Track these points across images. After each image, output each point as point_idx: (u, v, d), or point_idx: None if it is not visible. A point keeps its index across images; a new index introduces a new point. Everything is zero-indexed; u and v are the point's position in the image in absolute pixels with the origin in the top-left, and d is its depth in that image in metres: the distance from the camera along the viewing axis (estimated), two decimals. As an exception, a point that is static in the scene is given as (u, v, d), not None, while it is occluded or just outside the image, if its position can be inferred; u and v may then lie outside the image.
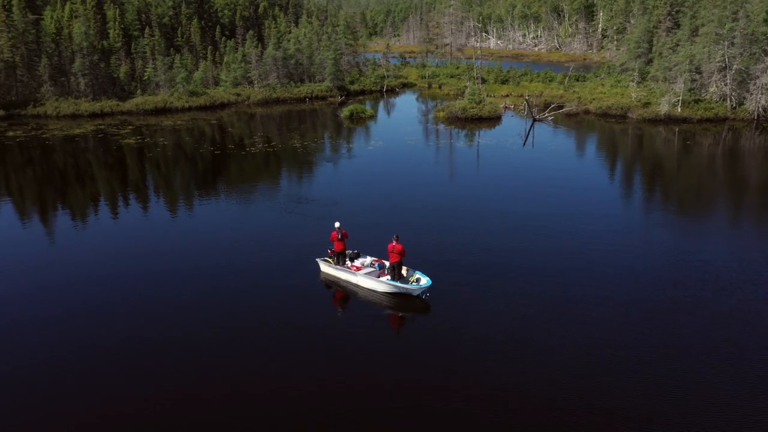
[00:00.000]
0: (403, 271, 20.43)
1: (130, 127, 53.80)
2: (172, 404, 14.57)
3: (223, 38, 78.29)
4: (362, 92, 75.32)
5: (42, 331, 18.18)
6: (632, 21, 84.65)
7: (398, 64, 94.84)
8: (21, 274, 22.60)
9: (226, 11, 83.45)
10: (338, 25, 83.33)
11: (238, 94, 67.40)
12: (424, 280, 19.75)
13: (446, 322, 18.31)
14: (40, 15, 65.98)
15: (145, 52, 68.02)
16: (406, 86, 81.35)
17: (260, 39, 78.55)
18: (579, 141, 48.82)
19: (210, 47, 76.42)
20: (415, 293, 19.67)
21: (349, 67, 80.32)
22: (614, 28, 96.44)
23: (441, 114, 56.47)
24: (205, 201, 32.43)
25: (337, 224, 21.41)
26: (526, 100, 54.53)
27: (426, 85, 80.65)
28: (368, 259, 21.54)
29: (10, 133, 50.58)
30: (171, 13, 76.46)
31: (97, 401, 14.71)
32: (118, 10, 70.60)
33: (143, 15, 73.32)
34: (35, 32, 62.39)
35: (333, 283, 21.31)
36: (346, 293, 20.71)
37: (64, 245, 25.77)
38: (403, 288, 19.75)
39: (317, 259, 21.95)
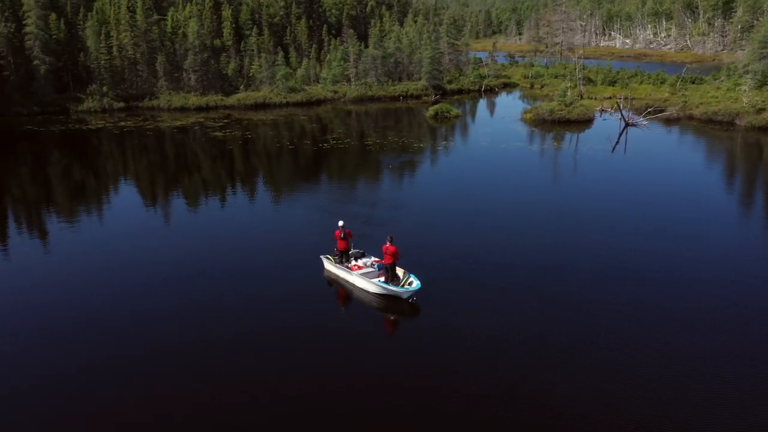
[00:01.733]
0: (400, 273, 20.21)
1: (226, 120, 57.22)
2: (172, 405, 14.66)
3: (329, 37, 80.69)
4: (459, 91, 74.46)
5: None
6: (761, 19, 76.37)
7: (505, 64, 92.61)
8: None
9: (333, 11, 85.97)
10: (441, 24, 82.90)
11: (335, 92, 69.28)
12: (415, 283, 19.40)
13: (449, 322, 17.99)
14: (164, 16, 71.91)
15: (253, 50, 71.88)
16: (508, 86, 79.31)
17: (365, 37, 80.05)
18: (673, 148, 44.87)
19: (315, 45, 79.14)
20: (404, 296, 19.37)
21: (450, 66, 79.75)
22: (739, 26, 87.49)
23: (528, 115, 54.44)
24: (246, 193, 34.00)
25: (340, 223, 21.62)
26: (618, 102, 51.16)
27: (528, 86, 78.20)
28: (370, 260, 21.48)
29: (122, 123, 55.73)
30: (282, 12, 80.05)
31: (96, 402, 14.82)
32: (232, 10, 75.18)
33: (256, 15, 77.42)
34: (157, 31, 68.14)
35: (334, 282, 21.47)
36: (347, 292, 20.78)
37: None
38: (392, 290, 19.54)
39: (321, 256, 22.24)
